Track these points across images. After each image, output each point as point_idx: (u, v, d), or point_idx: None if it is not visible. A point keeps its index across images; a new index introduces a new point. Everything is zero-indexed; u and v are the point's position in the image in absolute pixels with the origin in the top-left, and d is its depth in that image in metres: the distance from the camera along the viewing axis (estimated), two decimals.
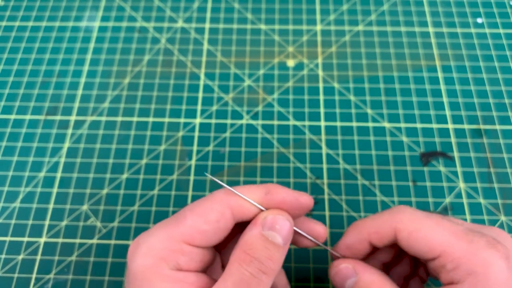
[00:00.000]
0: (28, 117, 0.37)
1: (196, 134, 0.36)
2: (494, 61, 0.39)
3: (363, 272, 0.20)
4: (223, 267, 0.23)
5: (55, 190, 0.34)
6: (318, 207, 0.33)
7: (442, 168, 0.34)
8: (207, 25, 0.42)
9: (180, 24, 0.42)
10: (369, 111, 0.37)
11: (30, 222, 0.33)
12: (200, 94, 0.38)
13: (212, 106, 0.37)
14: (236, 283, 0.18)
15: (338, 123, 0.36)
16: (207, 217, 0.19)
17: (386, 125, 0.36)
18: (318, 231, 0.22)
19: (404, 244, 0.20)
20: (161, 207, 0.33)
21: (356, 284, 0.20)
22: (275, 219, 0.19)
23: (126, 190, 0.34)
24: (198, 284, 0.19)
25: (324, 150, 0.35)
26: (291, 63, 0.39)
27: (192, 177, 0.34)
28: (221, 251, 0.23)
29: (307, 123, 0.36)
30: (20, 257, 0.31)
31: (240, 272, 0.18)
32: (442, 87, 0.38)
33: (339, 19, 0.42)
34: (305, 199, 0.21)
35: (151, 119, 0.37)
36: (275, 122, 0.36)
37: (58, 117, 0.37)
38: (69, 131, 0.36)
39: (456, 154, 0.35)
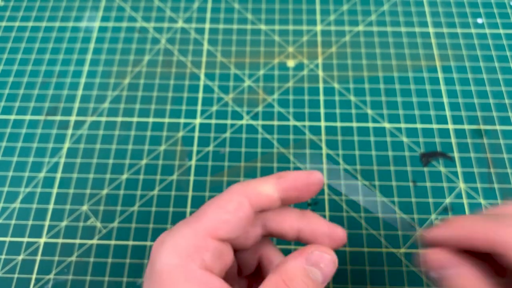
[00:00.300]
0: (28, 117, 0.37)
1: (196, 134, 0.36)
2: (494, 62, 0.39)
3: (462, 266, 0.20)
4: (239, 271, 0.23)
5: (55, 190, 0.34)
6: (318, 207, 0.33)
7: (442, 169, 0.34)
8: (207, 26, 0.42)
9: (180, 24, 0.42)
10: (369, 111, 0.37)
11: (30, 222, 0.33)
12: (200, 95, 0.38)
13: (212, 106, 0.37)
14: None
15: (338, 124, 0.36)
16: (226, 207, 0.19)
17: (386, 125, 0.36)
18: (337, 233, 0.21)
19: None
20: (161, 207, 0.33)
21: (454, 276, 0.20)
22: (321, 256, 0.19)
23: (126, 191, 0.34)
24: None
25: (324, 151, 0.35)
26: (291, 63, 0.39)
27: (192, 178, 0.34)
28: (235, 253, 0.23)
29: (307, 123, 0.36)
30: (20, 257, 0.31)
31: None
32: (442, 87, 0.38)
33: (339, 19, 0.42)
34: (315, 175, 0.20)
35: (151, 120, 0.37)
36: (275, 123, 0.36)
37: (58, 118, 0.37)
38: (69, 131, 0.36)
39: (456, 155, 0.35)
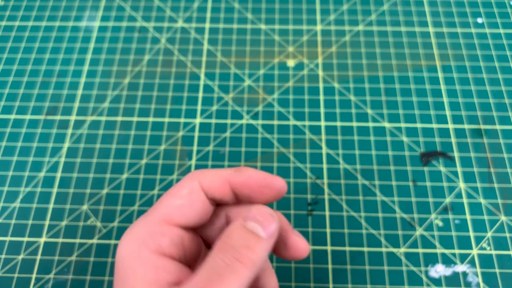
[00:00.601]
0: (28, 117, 0.37)
1: (196, 134, 0.36)
2: (494, 61, 0.39)
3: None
4: None
5: (55, 190, 0.34)
6: (318, 207, 0.33)
7: (442, 168, 0.34)
8: (207, 25, 0.42)
9: (180, 24, 0.42)
10: (369, 111, 0.37)
11: (30, 222, 0.33)
12: (200, 94, 0.38)
13: (212, 106, 0.37)
14: (207, 271, 0.17)
15: (338, 123, 0.36)
16: (179, 193, 0.20)
17: (386, 125, 0.36)
18: (299, 246, 0.20)
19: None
20: None
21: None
22: (259, 211, 0.19)
23: (126, 190, 0.34)
24: (178, 275, 0.18)
25: (324, 150, 0.35)
26: (291, 63, 0.39)
27: None
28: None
29: (307, 123, 0.36)
30: (20, 257, 0.31)
31: (214, 260, 0.17)
32: (442, 87, 0.38)
33: (339, 19, 0.42)
34: (273, 179, 0.20)
35: (151, 119, 0.37)
36: (275, 122, 0.36)
37: (58, 117, 0.37)
38: (69, 131, 0.36)
39: (456, 154, 0.35)
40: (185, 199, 0.19)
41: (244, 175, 0.20)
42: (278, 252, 0.21)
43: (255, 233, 0.18)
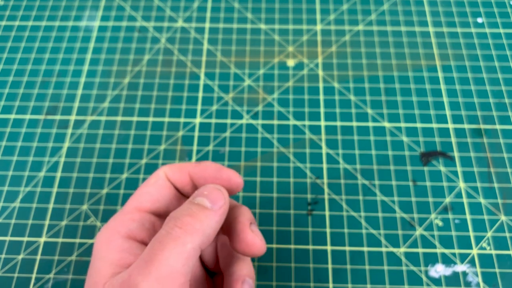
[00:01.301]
0: (28, 116, 0.37)
1: (196, 134, 0.36)
2: (494, 61, 0.39)
3: None
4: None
5: (55, 190, 0.34)
6: (318, 207, 0.33)
7: (442, 168, 0.34)
8: (207, 25, 0.42)
9: (180, 23, 0.42)
10: (369, 110, 0.37)
11: (30, 222, 0.33)
12: (200, 94, 0.38)
13: (212, 106, 0.37)
14: (151, 243, 0.17)
15: (338, 123, 0.36)
16: (148, 182, 0.21)
17: (386, 124, 0.36)
18: (252, 242, 0.21)
19: None
20: None
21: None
22: (205, 187, 0.20)
23: (126, 190, 0.34)
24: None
25: (324, 150, 0.35)
26: (291, 62, 0.39)
27: None
28: None
29: (307, 122, 0.36)
30: (20, 256, 0.31)
31: (159, 232, 0.18)
32: (442, 86, 0.38)
33: (339, 18, 0.42)
34: (226, 171, 0.21)
35: (151, 119, 0.37)
36: (275, 122, 0.36)
37: (58, 117, 0.37)
38: (69, 130, 0.36)
39: (456, 154, 0.35)
40: (153, 186, 0.21)
41: (201, 166, 0.21)
42: (233, 245, 0.21)
43: (199, 204, 0.19)
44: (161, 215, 0.21)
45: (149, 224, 0.20)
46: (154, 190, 0.21)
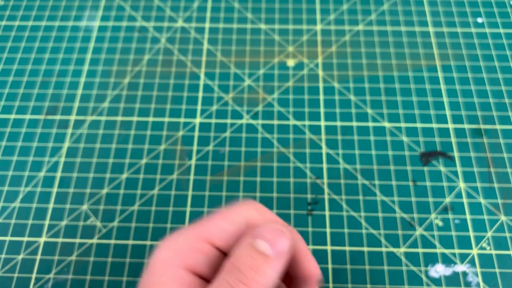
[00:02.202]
0: (28, 116, 0.37)
1: (196, 133, 0.36)
2: (494, 61, 0.39)
3: None
4: None
5: (55, 190, 0.34)
6: (318, 207, 0.33)
7: (442, 168, 0.34)
8: (207, 25, 0.42)
9: (180, 23, 0.42)
10: (369, 110, 0.37)
11: (30, 222, 0.33)
12: (200, 94, 0.38)
13: (212, 106, 0.37)
14: None
15: (338, 123, 0.36)
16: (225, 216, 0.19)
17: (386, 124, 0.36)
18: (311, 270, 0.20)
19: None
20: (161, 207, 0.33)
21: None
22: (266, 228, 0.18)
23: (126, 190, 0.34)
24: None
25: (324, 150, 0.35)
26: (291, 62, 0.39)
27: (192, 177, 0.34)
28: None
29: (307, 122, 0.36)
30: (20, 256, 0.31)
31: (220, 282, 0.17)
32: (442, 86, 0.38)
33: (339, 18, 0.42)
34: (309, 262, 0.20)
35: (151, 119, 0.37)
36: (275, 122, 0.36)
37: (58, 117, 0.37)
38: (69, 130, 0.36)
39: (456, 154, 0.35)
40: (231, 225, 0.19)
41: (292, 245, 0.19)
42: (293, 273, 0.20)
43: (262, 252, 0.17)
44: (223, 251, 0.20)
45: (213, 261, 0.19)
46: (231, 228, 0.19)
